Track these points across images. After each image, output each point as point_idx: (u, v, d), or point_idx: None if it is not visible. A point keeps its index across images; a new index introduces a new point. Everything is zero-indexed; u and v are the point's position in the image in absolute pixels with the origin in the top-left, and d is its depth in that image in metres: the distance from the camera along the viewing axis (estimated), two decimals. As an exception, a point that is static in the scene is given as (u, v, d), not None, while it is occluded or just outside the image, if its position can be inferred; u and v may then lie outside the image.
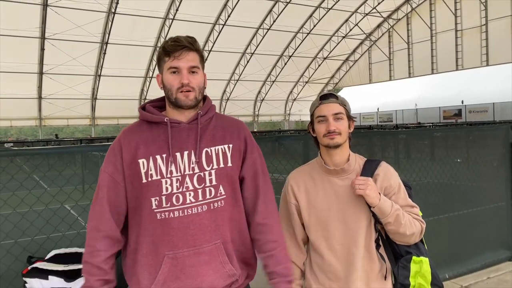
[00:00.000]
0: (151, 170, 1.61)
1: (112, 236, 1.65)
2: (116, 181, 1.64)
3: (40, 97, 25.49)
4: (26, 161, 2.63)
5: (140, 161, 1.62)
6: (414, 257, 1.85)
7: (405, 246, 1.88)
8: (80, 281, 2.18)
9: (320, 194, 1.89)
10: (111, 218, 1.64)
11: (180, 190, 1.61)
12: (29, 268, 2.28)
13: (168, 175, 1.61)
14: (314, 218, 1.90)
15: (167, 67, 1.65)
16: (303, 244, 1.98)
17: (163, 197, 1.60)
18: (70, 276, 2.21)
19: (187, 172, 1.62)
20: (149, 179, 1.60)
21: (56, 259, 2.37)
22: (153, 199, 1.60)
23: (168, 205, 1.60)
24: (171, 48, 1.63)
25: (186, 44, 1.63)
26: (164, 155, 1.62)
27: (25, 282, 2.24)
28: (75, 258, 2.39)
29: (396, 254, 1.89)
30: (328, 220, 1.87)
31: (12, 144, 15.49)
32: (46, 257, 2.40)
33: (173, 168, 1.61)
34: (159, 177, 1.60)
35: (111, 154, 1.67)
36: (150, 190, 1.60)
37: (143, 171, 1.61)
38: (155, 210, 1.60)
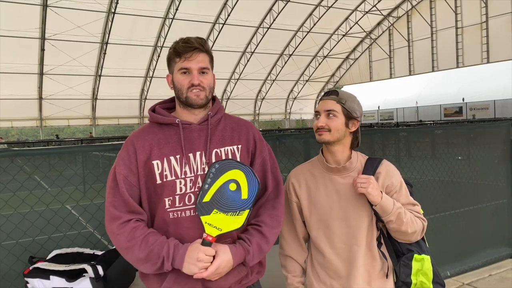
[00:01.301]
0: (165, 171, 1.63)
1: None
2: (131, 183, 1.65)
3: (40, 98, 25.53)
4: (26, 161, 2.62)
5: (154, 162, 1.64)
6: (415, 255, 1.85)
7: (406, 244, 1.87)
8: (81, 281, 2.19)
9: (321, 191, 1.89)
10: (143, 211, 1.65)
11: (193, 190, 1.63)
12: (30, 268, 2.28)
13: (182, 176, 1.63)
14: (315, 216, 1.90)
15: (178, 68, 1.67)
16: (304, 241, 1.99)
17: (177, 197, 1.63)
18: (71, 276, 2.21)
19: (199, 172, 1.65)
20: (164, 179, 1.63)
21: (57, 259, 2.37)
22: (166, 199, 1.63)
23: (181, 204, 1.62)
24: (182, 49, 1.65)
25: (197, 46, 1.66)
26: (177, 156, 1.64)
27: (27, 282, 2.23)
28: (77, 258, 2.40)
29: (398, 252, 1.88)
30: (329, 218, 1.87)
31: (5, 145, 15.33)
32: (48, 257, 2.40)
33: (187, 168, 1.64)
34: (173, 177, 1.63)
35: (124, 156, 1.67)
36: (164, 190, 1.63)
37: (157, 172, 1.63)
38: (168, 210, 1.63)
